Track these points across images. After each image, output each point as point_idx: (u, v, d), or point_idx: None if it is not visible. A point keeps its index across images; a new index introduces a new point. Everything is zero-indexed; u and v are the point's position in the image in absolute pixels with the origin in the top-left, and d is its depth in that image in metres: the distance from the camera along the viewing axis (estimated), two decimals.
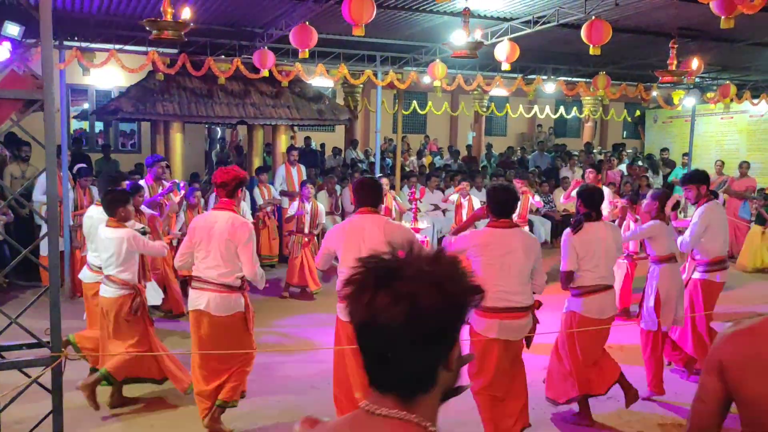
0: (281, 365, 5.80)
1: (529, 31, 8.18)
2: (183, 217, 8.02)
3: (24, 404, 3.66)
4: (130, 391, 4.98)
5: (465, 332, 3.99)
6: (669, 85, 12.57)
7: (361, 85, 13.42)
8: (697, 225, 5.41)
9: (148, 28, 5.18)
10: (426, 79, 11.13)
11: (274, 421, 4.68)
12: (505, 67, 7.95)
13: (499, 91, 12.91)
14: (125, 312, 4.63)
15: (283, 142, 11.15)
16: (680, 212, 6.30)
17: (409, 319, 1.14)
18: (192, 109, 10.11)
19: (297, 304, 8.06)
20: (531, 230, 9.30)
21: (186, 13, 5.28)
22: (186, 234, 4.51)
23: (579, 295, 4.52)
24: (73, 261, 7.72)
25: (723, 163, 12.51)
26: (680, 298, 5.20)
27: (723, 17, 5.09)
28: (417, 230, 6.49)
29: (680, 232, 5.76)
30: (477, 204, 9.68)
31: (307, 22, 7.35)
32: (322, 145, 16.15)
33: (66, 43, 8.89)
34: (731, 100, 12.43)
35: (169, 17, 5.02)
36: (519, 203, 5.06)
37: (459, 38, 6.67)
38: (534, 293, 4.11)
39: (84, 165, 8.79)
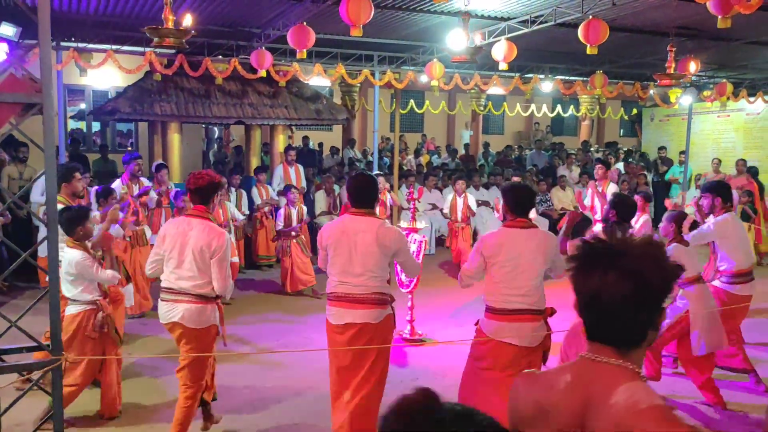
0: (280, 365, 5.81)
1: (526, 30, 8.19)
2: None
3: (24, 407, 3.66)
4: (131, 394, 4.96)
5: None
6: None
7: (358, 85, 13.42)
8: (710, 232, 5.29)
9: (149, 36, 5.14)
10: (423, 78, 11.14)
11: (276, 423, 4.69)
12: (503, 66, 7.96)
13: (496, 89, 12.92)
14: (88, 329, 4.42)
15: (280, 142, 11.15)
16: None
17: (635, 291, 1.45)
18: (189, 109, 10.10)
19: (297, 304, 8.05)
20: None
21: (187, 20, 5.26)
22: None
23: None
24: None
25: (720, 161, 12.55)
26: (715, 319, 4.95)
27: (720, 17, 5.11)
28: (415, 230, 6.45)
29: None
30: (473, 203, 9.69)
31: (305, 23, 7.35)
32: (320, 145, 16.14)
33: (63, 43, 8.89)
34: (728, 99, 12.46)
35: (170, 24, 5.00)
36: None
37: (456, 39, 6.68)
38: (553, 277, 4.01)
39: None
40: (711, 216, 5.47)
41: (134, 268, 6.89)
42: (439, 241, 11.25)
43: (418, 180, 11.62)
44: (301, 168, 10.41)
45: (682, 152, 14.05)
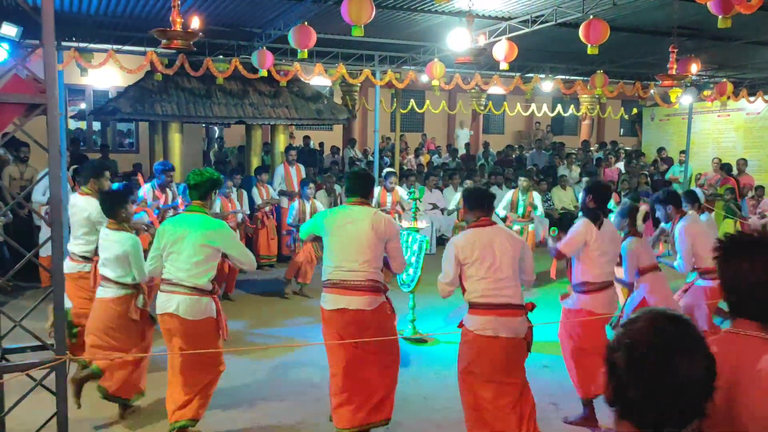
0: (280, 365, 5.82)
1: (527, 30, 8.20)
2: None
3: (28, 406, 3.67)
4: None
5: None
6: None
7: (359, 85, 13.43)
8: (685, 242, 5.41)
9: (157, 38, 5.15)
10: (424, 78, 11.15)
11: (277, 421, 4.70)
12: (504, 66, 7.97)
13: (496, 89, 12.92)
14: (128, 313, 4.49)
15: (281, 142, 11.15)
16: (665, 242, 6.26)
17: None
18: (190, 109, 10.10)
19: (298, 304, 8.06)
20: (529, 229, 9.29)
21: (195, 23, 5.27)
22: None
23: (583, 292, 4.57)
24: None
25: (720, 160, 12.55)
26: (674, 307, 5.07)
27: (720, 16, 5.12)
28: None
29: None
30: None
31: (306, 22, 7.36)
32: (321, 144, 16.15)
33: (64, 43, 8.89)
34: (728, 98, 12.47)
35: (178, 27, 5.00)
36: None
37: (459, 40, 6.68)
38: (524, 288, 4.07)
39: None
40: (671, 224, 5.64)
41: None
42: (440, 241, 11.26)
43: (419, 179, 11.63)
44: (302, 168, 10.43)
45: (682, 152, 14.06)
